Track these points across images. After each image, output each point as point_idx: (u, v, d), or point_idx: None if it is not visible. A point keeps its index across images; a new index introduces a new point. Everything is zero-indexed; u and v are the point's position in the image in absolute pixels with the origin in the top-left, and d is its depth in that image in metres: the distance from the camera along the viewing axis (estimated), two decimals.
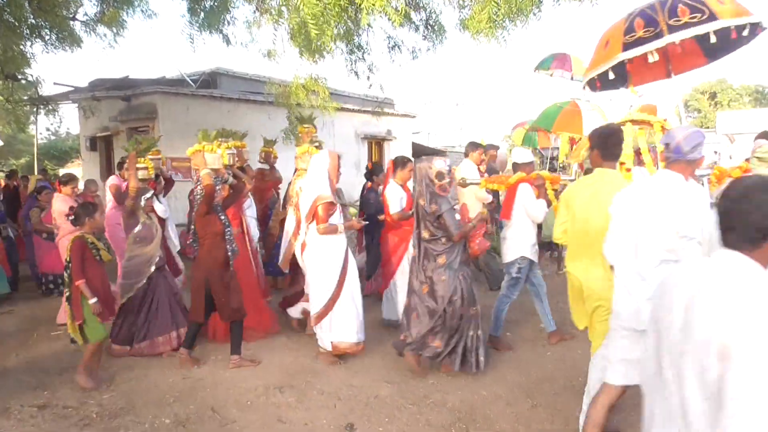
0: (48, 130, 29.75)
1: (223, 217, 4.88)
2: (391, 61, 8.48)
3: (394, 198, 5.57)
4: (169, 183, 6.55)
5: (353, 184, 15.14)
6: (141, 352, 5.10)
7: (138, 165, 5.37)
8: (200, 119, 11.90)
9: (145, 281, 5.16)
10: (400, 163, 5.71)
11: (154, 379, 4.57)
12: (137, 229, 5.20)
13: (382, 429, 3.70)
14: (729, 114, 30.38)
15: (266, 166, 7.22)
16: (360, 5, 4.51)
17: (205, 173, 4.75)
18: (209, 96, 12.32)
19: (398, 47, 8.33)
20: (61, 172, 18.95)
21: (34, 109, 13.15)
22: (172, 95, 11.72)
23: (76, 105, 13.63)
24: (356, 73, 8.67)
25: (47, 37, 8.91)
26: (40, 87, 11.09)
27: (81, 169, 15.71)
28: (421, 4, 7.84)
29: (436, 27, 7.96)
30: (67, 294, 4.45)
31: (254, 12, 7.77)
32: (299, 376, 4.56)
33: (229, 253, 4.85)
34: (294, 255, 5.49)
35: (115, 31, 9.10)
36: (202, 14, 7.55)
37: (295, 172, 6.04)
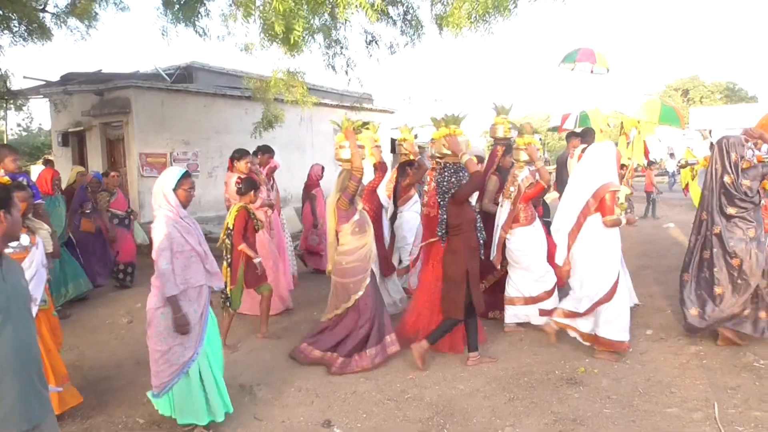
0: (19, 126, 29.06)
1: (473, 204, 4.75)
2: (369, 56, 8.45)
3: None
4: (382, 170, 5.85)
5: (332, 181, 15.08)
6: (336, 366, 4.54)
7: (342, 144, 4.91)
8: (175, 114, 11.75)
9: (369, 279, 4.67)
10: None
11: (128, 377, 4.50)
12: (356, 217, 4.67)
13: (360, 425, 3.69)
14: (702, 110, 30.95)
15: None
16: (336, 1, 4.47)
17: (469, 159, 4.44)
18: (185, 91, 12.14)
19: (376, 42, 8.31)
20: (33, 168, 18.51)
21: (3, 104, 12.82)
22: (146, 89, 11.51)
23: (47, 99, 13.32)
24: (334, 68, 8.62)
25: (15, 29, 8.67)
26: (9, 81, 10.79)
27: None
28: None
29: (413, 22, 7.95)
30: (228, 260, 4.93)
31: (230, 5, 7.67)
32: (275, 373, 4.53)
33: (481, 241, 4.66)
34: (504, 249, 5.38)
35: (87, 24, 8.90)
36: (177, 7, 7.42)
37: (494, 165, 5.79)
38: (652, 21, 75.09)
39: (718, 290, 4.60)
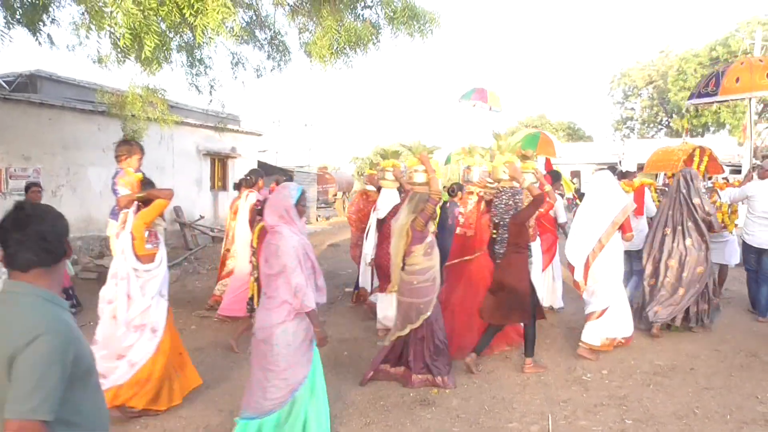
0: None
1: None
2: (234, 77, 8.29)
3: None
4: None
5: (194, 202, 14.47)
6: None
7: (417, 168, 5.18)
8: (14, 126, 10.62)
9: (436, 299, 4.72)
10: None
11: None
12: (429, 239, 4.72)
13: None
14: None
15: (373, 188, 7.38)
16: (193, 24, 4.37)
17: (531, 184, 4.89)
18: (26, 101, 11.01)
19: (242, 64, 8.17)
20: None
21: None
22: None
23: None
24: (197, 88, 8.33)
25: None
26: None
27: None
28: (265, 23, 7.80)
29: (280, 47, 7.95)
30: (256, 275, 5.13)
31: (82, 14, 7.13)
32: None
33: (531, 259, 5.15)
34: None
35: None
36: (17, 10, 6.75)
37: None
38: (506, 60, 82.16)
39: (681, 291, 5.73)
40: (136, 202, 4.10)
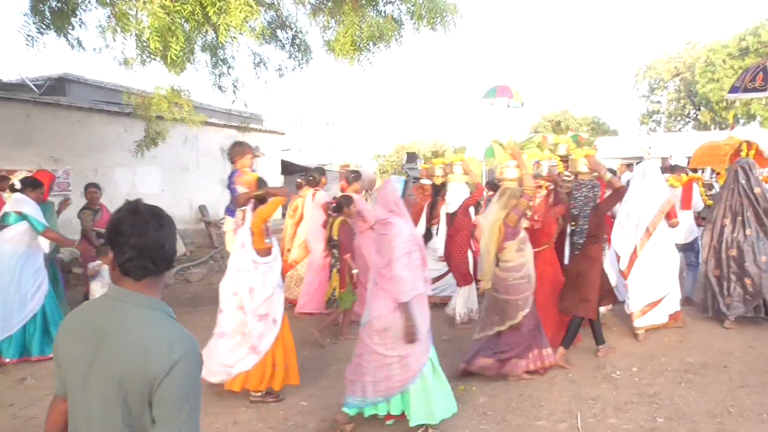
0: None
1: None
2: (257, 77, 8.35)
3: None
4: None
5: (218, 201, 14.60)
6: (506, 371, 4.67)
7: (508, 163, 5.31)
8: (44, 129, 10.87)
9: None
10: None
11: None
12: (522, 234, 4.75)
13: None
14: None
15: (428, 182, 7.43)
16: (216, 23, 4.41)
17: (612, 177, 5.02)
18: (55, 104, 11.25)
19: (264, 64, 8.23)
20: None
21: None
22: (7, 101, 10.50)
23: None
24: (221, 88, 8.41)
25: None
26: None
27: None
28: (287, 23, 7.83)
29: (302, 47, 7.98)
30: (338, 266, 5.61)
31: (108, 17, 7.25)
32: None
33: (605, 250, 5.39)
34: None
35: None
36: (47, 14, 6.89)
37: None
38: (529, 55, 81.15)
39: (748, 281, 5.70)
40: (252, 200, 4.30)
